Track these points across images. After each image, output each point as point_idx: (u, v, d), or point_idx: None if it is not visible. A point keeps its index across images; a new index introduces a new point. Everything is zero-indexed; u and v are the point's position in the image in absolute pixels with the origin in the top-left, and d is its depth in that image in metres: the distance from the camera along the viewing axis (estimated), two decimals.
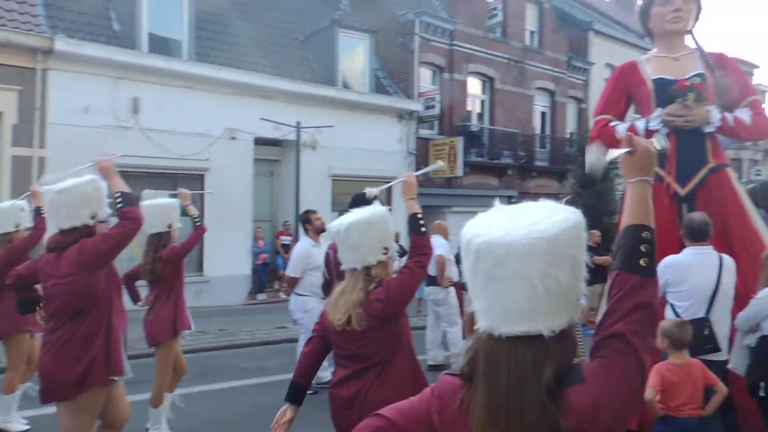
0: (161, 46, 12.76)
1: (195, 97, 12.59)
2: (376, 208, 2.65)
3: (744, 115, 4.84)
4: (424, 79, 17.51)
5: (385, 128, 16.11)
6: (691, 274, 3.98)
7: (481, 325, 1.25)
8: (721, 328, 3.97)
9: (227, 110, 13.01)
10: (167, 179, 12.16)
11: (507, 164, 18.74)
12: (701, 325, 3.89)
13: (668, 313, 4.08)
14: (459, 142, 16.66)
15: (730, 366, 4.31)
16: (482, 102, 19.02)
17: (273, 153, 14.81)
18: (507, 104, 19.14)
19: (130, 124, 11.93)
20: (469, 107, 18.50)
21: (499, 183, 19.03)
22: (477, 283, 1.25)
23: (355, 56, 15.92)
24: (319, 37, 15.53)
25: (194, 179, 12.66)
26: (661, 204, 4.57)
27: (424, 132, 17.30)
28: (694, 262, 4.02)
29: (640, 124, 4.88)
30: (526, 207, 1.28)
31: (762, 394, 4.10)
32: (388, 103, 15.96)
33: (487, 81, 18.86)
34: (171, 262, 4.85)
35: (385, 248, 2.64)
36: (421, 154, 17.03)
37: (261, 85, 13.52)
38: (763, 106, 5.19)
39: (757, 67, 31.18)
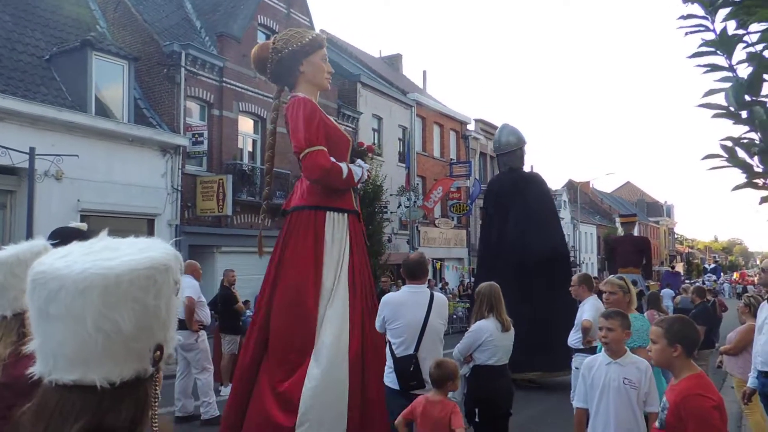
0: None
1: None
2: (31, 244, 2.14)
3: None
4: (192, 113, 16.85)
5: (147, 161, 15.00)
6: (403, 312, 4.13)
7: (36, 368, 1.08)
8: (429, 363, 4.05)
9: None
10: None
11: (279, 204, 18.64)
12: (408, 361, 4.03)
13: (387, 351, 4.19)
14: (228, 180, 16.22)
15: (449, 396, 4.61)
16: (254, 141, 18.87)
17: (6, 182, 12.78)
18: (280, 145, 19.01)
19: None
20: (240, 145, 18.19)
21: (272, 223, 18.85)
22: (32, 318, 1.08)
23: (112, 83, 14.69)
24: (68, 57, 14.04)
25: None
26: (364, 243, 5.46)
27: (191, 168, 16.52)
28: (406, 300, 4.19)
29: (359, 171, 5.46)
30: (126, 241, 1.14)
31: (477, 419, 4.43)
32: (149, 135, 14.92)
33: (259, 121, 18.81)
34: None
35: None
36: (188, 190, 16.20)
37: None
38: None
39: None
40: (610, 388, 3.57)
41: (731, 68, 1.32)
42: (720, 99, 1.35)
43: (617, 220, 58.30)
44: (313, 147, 5.14)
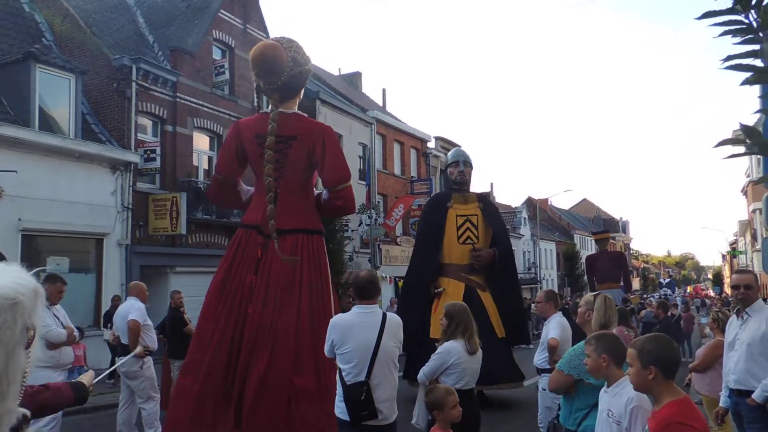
0: None
1: None
2: None
3: None
4: (145, 129, 16.27)
5: (95, 179, 14.34)
6: (353, 335, 3.76)
7: None
8: (383, 391, 3.74)
9: None
10: None
11: (236, 223, 18.11)
12: (359, 389, 3.65)
13: (338, 378, 3.83)
14: (182, 198, 15.63)
15: (413, 422, 4.33)
16: (209, 158, 18.32)
17: None
18: None
19: None
20: (195, 162, 17.63)
21: (229, 242, 18.27)
22: None
23: (58, 97, 14.02)
24: (10, 70, 13.35)
25: None
26: None
27: (143, 185, 15.88)
28: (356, 322, 3.82)
29: None
30: None
31: None
32: (98, 152, 14.26)
33: (215, 137, 18.30)
34: None
35: None
36: (140, 209, 15.55)
37: None
38: None
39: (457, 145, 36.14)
40: (601, 418, 3.26)
41: (756, 29, 1.07)
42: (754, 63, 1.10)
43: (576, 236, 59.41)
44: (350, 180, 5.61)
